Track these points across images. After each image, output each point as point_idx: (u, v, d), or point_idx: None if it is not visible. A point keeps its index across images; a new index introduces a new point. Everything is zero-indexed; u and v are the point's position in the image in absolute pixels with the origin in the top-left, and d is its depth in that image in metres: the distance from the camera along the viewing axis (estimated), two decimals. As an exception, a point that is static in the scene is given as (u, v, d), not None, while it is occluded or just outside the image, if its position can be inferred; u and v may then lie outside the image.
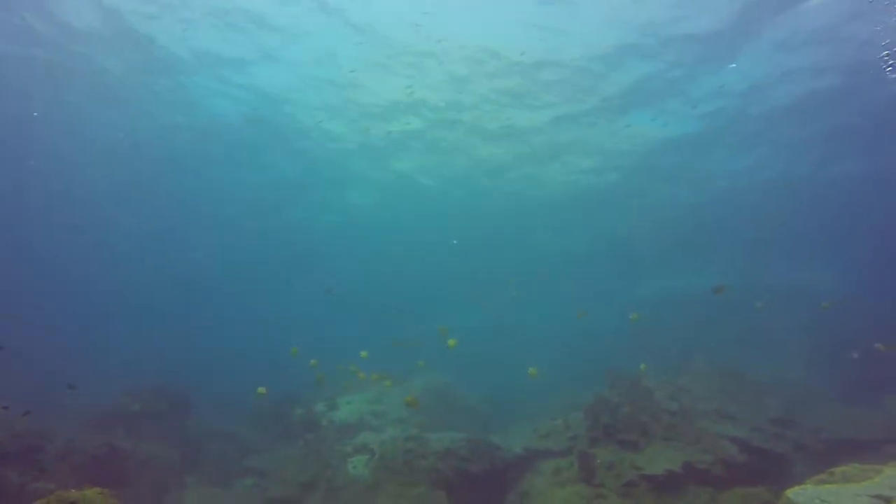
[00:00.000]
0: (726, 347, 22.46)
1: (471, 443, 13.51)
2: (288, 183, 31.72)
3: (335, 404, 18.07)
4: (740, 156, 25.30)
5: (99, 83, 21.83)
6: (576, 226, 34.89)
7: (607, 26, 16.80)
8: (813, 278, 33.69)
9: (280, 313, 56.59)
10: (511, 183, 29.62)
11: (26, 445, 12.14)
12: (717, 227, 32.35)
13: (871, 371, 18.43)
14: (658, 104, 21.05)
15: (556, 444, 14.66)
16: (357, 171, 29.46)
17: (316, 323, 56.29)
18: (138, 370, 28.14)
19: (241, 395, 21.21)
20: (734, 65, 18.43)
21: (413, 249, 41.02)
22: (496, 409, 20.60)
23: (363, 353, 14.29)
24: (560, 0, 15.70)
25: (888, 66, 16.78)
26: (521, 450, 14.40)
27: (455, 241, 33.72)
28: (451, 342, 13.57)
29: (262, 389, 14.04)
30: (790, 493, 7.53)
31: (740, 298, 21.50)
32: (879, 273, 33.79)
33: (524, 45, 17.84)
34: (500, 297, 38.59)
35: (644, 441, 12.58)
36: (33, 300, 50.22)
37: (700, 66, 18.58)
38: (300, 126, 24.88)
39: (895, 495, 6.82)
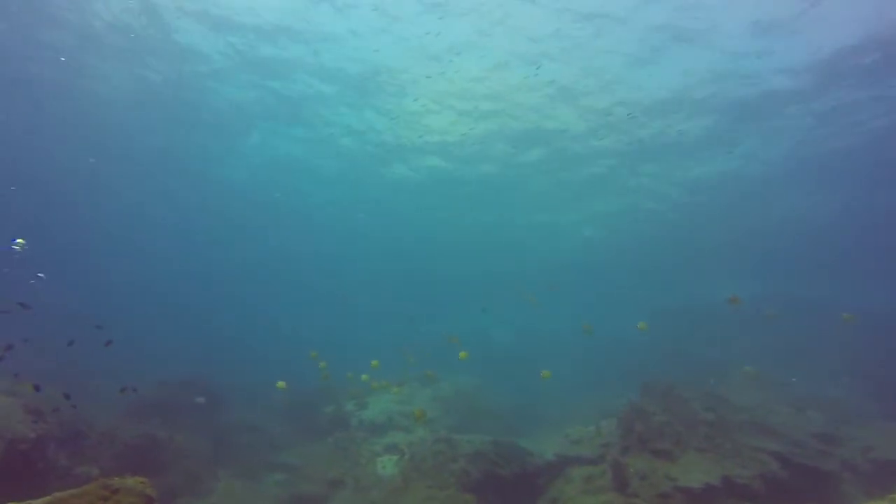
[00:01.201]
0: (765, 359, 21.76)
1: (501, 446, 13.40)
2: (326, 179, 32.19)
3: (365, 403, 18.16)
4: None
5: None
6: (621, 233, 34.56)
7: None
8: (861, 294, 32.76)
9: (314, 312, 57.32)
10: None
11: (73, 432, 12.55)
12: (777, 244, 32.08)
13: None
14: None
15: (587, 450, 14.45)
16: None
17: (350, 322, 56.71)
18: (169, 364, 28.88)
19: (270, 390, 21.48)
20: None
21: (449, 251, 41.18)
22: (524, 413, 20.39)
23: (374, 363, 14.38)
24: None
25: None
26: (552, 455, 14.22)
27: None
28: (462, 354, 13.44)
29: (282, 384, 14.27)
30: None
31: (781, 311, 20.87)
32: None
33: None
34: (530, 302, 38.37)
35: (679, 451, 12.25)
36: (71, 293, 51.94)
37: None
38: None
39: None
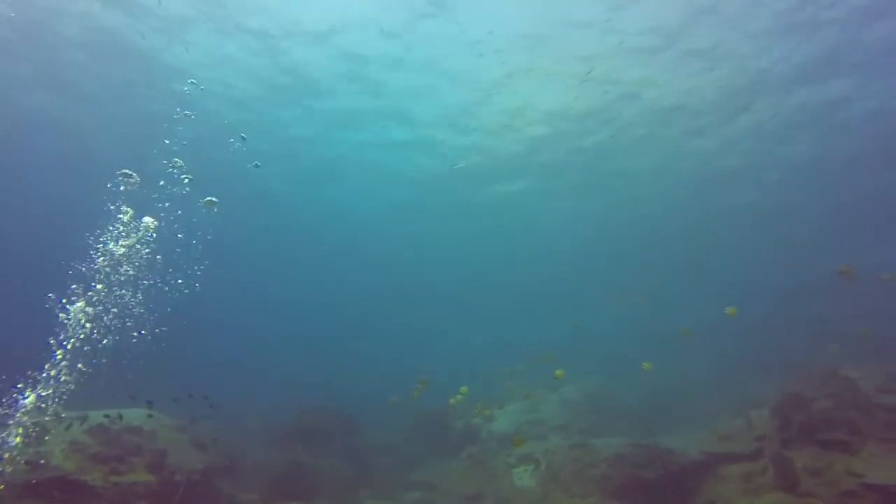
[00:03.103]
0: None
1: (640, 448, 12.61)
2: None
3: (492, 416, 18.07)
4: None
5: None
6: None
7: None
8: None
9: (429, 328, 58.61)
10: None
11: (230, 462, 13.73)
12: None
13: None
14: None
15: (739, 446, 13.15)
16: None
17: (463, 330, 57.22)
18: (298, 389, 30.93)
19: (398, 411, 22.13)
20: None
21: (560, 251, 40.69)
22: (657, 411, 19.13)
23: (463, 389, 14.25)
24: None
25: None
26: (698, 454, 13.10)
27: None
28: (558, 373, 12.80)
29: (394, 398, 14.56)
30: None
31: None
32: None
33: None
34: (647, 298, 36.49)
35: (858, 442, 10.73)
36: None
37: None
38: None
39: None
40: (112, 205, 10.21)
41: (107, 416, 10.66)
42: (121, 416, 10.96)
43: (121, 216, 10.13)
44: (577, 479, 12.07)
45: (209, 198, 11.86)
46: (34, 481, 8.54)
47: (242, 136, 22.15)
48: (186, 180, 12.49)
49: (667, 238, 37.10)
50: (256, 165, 26.53)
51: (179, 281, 12.73)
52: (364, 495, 18.01)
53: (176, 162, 12.46)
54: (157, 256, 10.56)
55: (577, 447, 12.98)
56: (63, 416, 10.20)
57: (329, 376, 40.92)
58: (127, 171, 10.78)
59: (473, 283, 50.01)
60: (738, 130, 23.87)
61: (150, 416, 12.40)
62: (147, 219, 10.40)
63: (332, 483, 17.12)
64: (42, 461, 9.09)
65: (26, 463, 8.78)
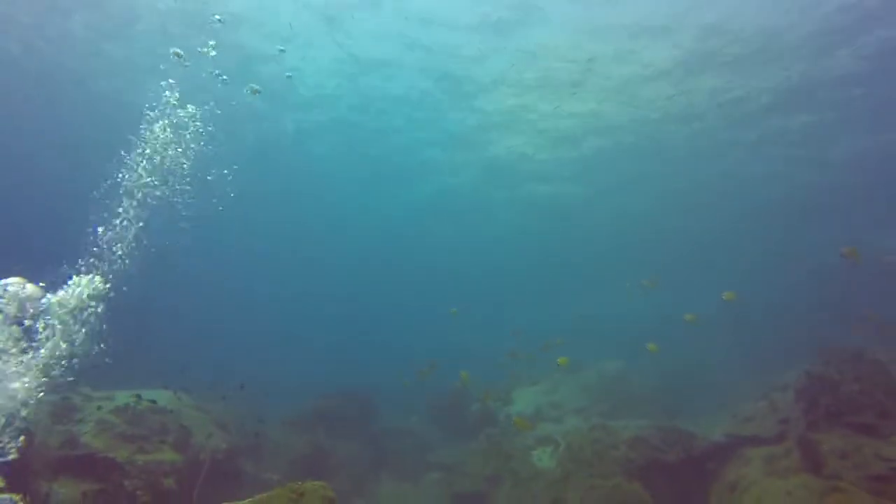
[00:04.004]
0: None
1: (662, 430, 12.53)
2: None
3: (510, 398, 18.11)
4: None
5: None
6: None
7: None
8: None
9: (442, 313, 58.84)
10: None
11: (253, 443, 13.95)
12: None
13: None
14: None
15: (762, 429, 12.97)
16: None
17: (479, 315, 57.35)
18: (318, 374, 31.31)
19: (414, 393, 22.28)
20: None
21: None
22: (675, 394, 19.01)
23: (463, 374, 14.15)
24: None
25: None
26: (720, 436, 12.99)
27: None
28: (560, 360, 12.63)
29: (406, 382, 14.57)
30: None
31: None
32: None
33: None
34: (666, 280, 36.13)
35: (887, 426, 10.53)
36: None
37: None
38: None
39: None
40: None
41: (137, 396, 10.87)
42: (142, 398, 11.11)
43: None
44: (598, 461, 12.05)
45: (253, 86, 11.66)
46: (66, 458, 8.75)
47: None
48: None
49: (688, 223, 36.56)
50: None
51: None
52: (384, 477, 18.26)
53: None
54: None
55: (598, 429, 12.95)
56: (92, 394, 10.42)
57: (347, 361, 41.42)
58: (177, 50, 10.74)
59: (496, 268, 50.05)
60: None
61: (178, 397, 12.64)
62: None
63: (350, 464, 17.37)
64: (71, 439, 9.32)
65: (59, 440, 9.00)
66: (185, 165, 9.93)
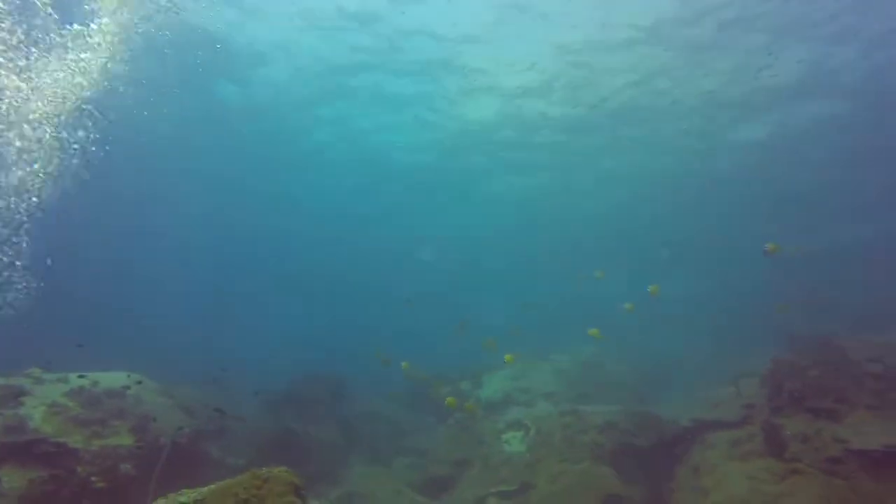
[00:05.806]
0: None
1: (633, 415, 12.62)
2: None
3: (480, 382, 18.06)
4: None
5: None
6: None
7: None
8: None
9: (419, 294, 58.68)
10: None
11: (220, 427, 13.63)
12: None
13: None
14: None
15: (728, 414, 13.18)
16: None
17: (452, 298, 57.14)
18: (293, 354, 30.94)
19: (387, 377, 22.13)
20: None
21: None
22: (649, 380, 19.24)
23: (404, 364, 14.15)
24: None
25: None
26: (688, 421, 13.15)
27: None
28: (507, 357, 12.43)
29: (386, 359, 14.45)
30: None
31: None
32: None
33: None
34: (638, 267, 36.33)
35: (845, 410, 10.77)
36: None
37: None
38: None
39: None
40: None
41: (82, 376, 10.32)
42: (87, 377, 10.54)
43: None
44: (568, 446, 12.08)
45: None
46: (12, 444, 8.33)
47: None
48: None
49: (664, 213, 36.83)
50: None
51: None
52: (354, 461, 18.10)
53: None
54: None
55: (568, 414, 12.98)
56: (43, 377, 9.95)
57: (321, 343, 41.08)
58: None
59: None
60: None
61: (139, 382, 12.20)
62: None
63: (321, 449, 17.14)
64: (19, 424, 8.88)
65: (4, 425, 8.55)
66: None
